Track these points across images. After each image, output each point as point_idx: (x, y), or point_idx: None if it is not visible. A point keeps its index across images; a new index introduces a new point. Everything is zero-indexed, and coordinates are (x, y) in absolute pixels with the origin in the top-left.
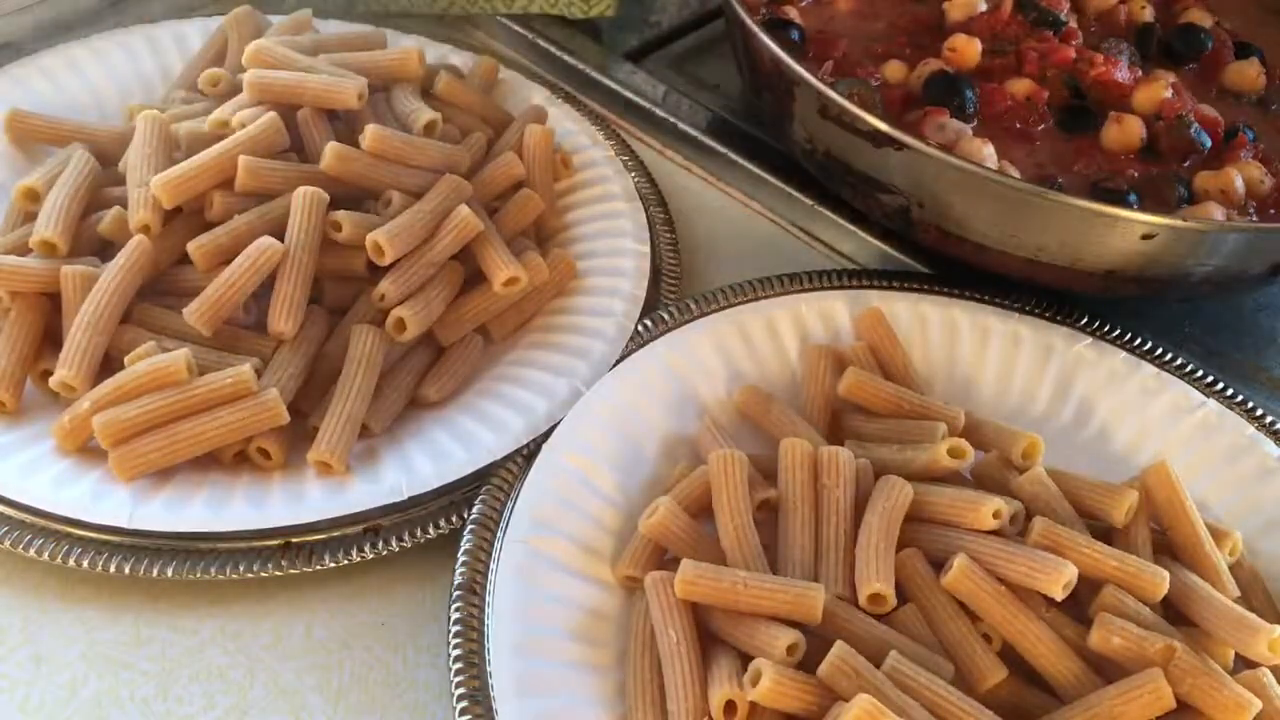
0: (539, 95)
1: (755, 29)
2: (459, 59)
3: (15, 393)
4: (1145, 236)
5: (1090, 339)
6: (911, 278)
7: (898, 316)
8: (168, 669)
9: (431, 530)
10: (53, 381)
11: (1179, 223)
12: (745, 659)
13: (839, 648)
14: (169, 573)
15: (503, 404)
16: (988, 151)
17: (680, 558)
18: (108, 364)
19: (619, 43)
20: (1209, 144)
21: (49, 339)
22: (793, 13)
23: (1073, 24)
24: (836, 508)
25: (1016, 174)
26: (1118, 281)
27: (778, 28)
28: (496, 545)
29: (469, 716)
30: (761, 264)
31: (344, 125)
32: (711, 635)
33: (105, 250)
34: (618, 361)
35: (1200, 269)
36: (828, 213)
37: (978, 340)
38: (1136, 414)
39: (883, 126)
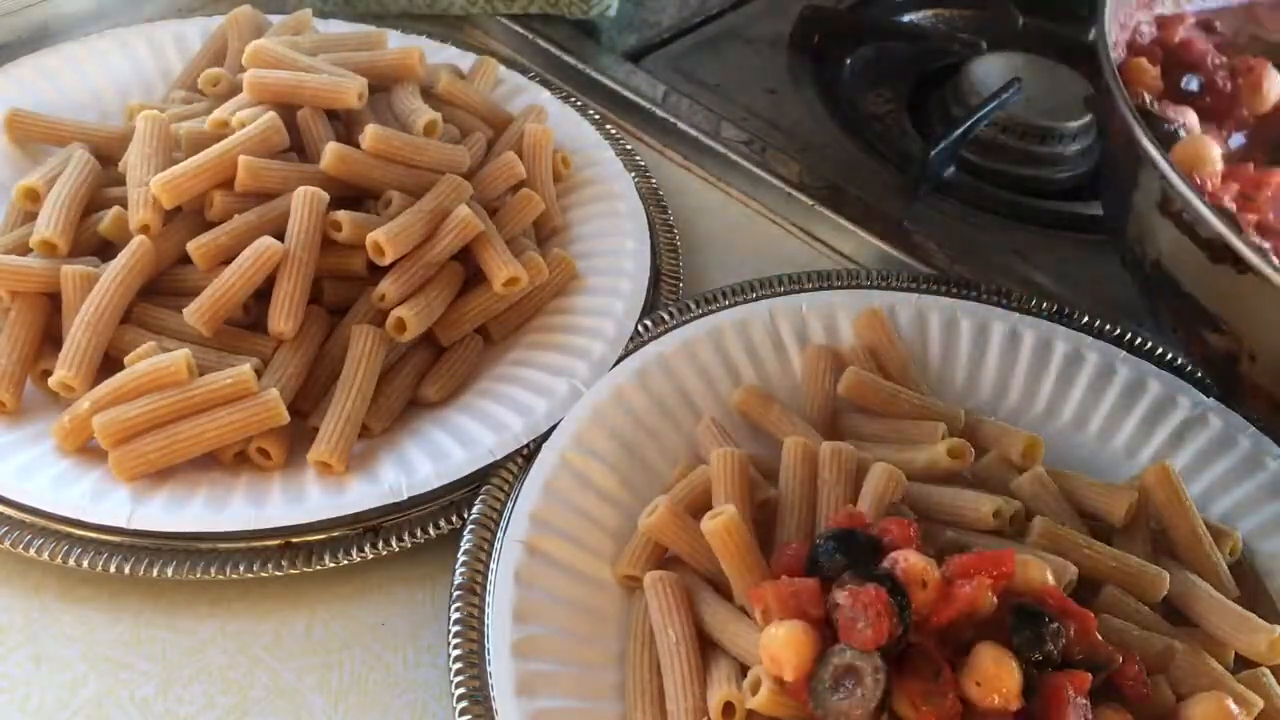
0: (539, 95)
1: (1115, 87)
2: (459, 59)
3: (15, 393)
4: None
5: (1090, 338)
6: (911, 278)
7: (898, 316)
8: (168, 669)
9: (431, 530)
10: (52, 381)
11: None
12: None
13: None
14: (169, 573)
15: (503, 404)
16: None
17: (680, 557)
18: (108, 364)
19: (619, 43)
20: None
21: (49, 339)
22: (1188, 114)
23: None
24: (833, 503)
25: None
26: None
27: (1151, 120)
28: (496, 545)
29: (469, 716)
30: (761, 264)
31: (344, 125)
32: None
33: (105, 250)
34: (618, 361)
35: None
36: (828, 213)
37: (978, 340)
38: (1136, 414)
39: (1226, 234)
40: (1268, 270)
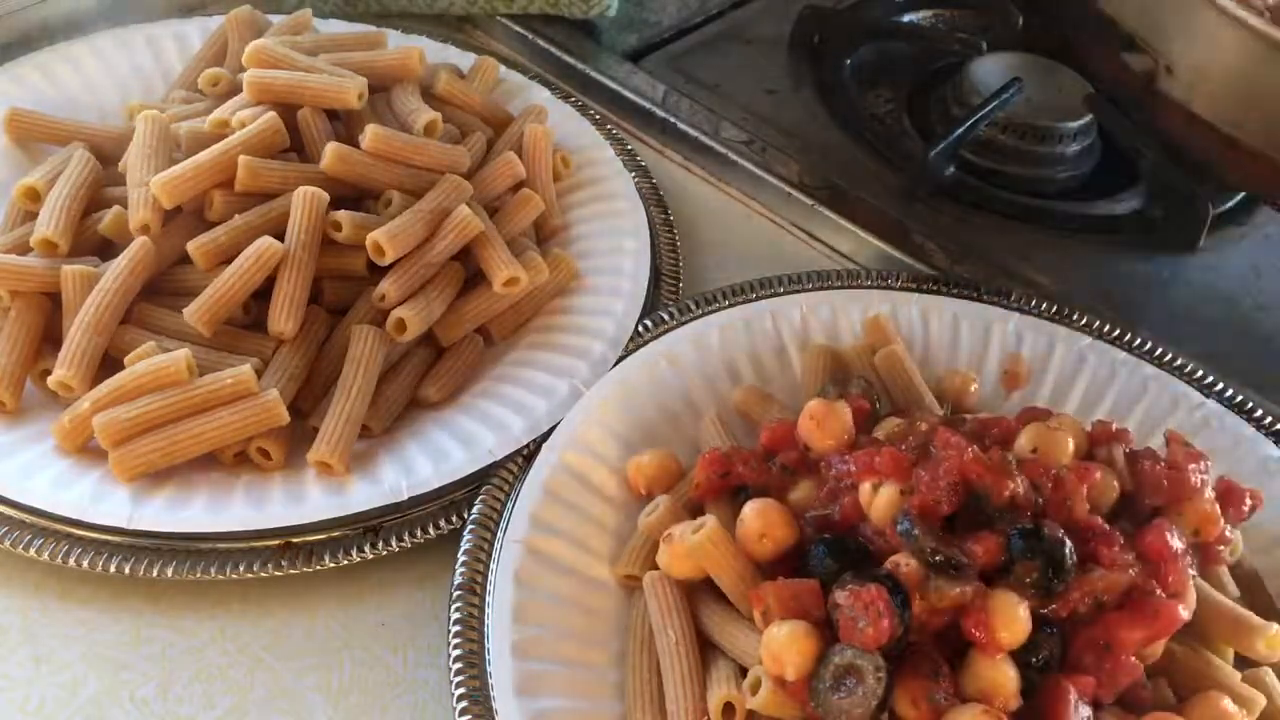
0: (539, 95)
1: None
2: (459, 59)
3: (15, 393)
4: None
5: (1090, 339)
6: (911, 278)
7: (898, 316)
8: (168, 669)
9: (431, 530)
10: (51, 381)
11: None
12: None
13: None
14: (169, 573)
15: (503, 404)
16: None
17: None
18: (108, 364)
19: (619, 43)
20: None
21: (49, 339)
22: None
23: None
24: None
25: None
26: None
27: None
28: (496, 545)
29: (469, 716)
30: (761, 264)
31: (344, 125)
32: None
33: (105, 250)
34: (618, 361)
35: None
36: (828, 213)
37: (978, 340)
38: (1136, 415)
39: None
40: None
